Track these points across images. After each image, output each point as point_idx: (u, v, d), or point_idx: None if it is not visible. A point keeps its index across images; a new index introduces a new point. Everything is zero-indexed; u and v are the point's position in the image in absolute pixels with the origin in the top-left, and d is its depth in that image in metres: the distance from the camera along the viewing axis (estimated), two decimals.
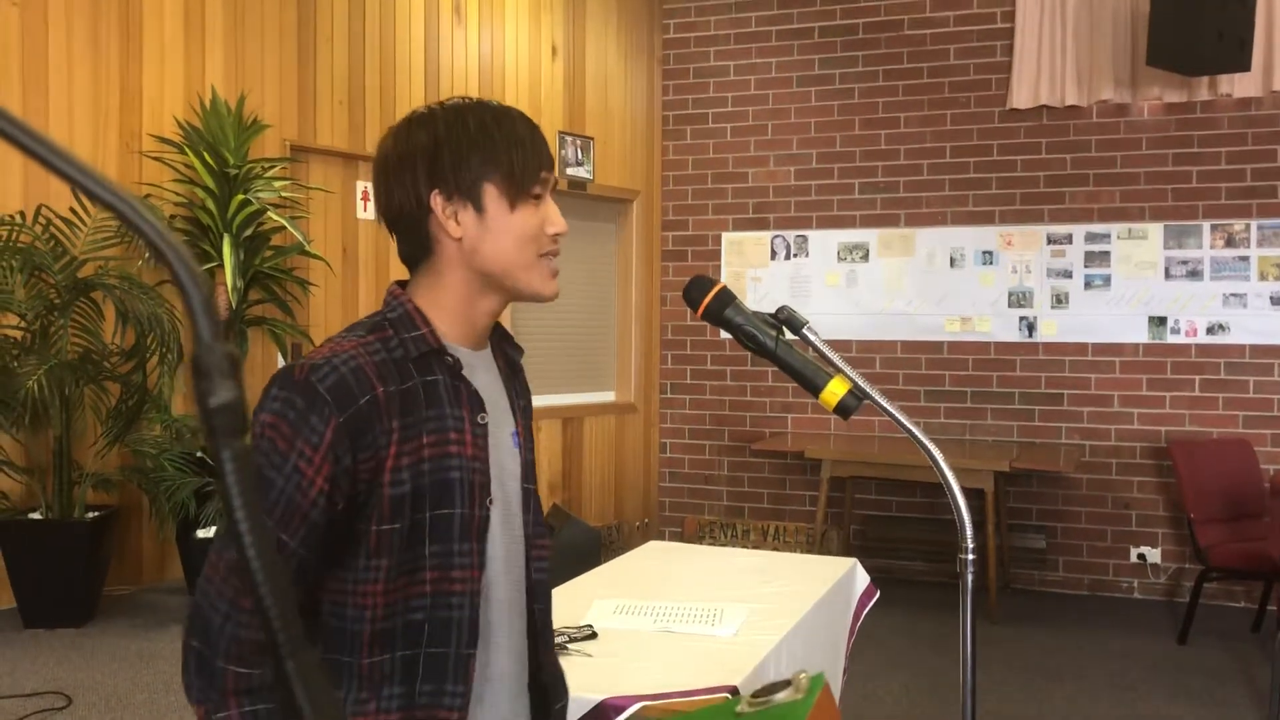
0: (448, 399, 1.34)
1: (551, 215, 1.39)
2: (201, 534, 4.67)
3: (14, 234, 4.45)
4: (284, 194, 5.08)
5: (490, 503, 1.37)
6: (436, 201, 1.34)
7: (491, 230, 1.35)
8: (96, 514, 4.61)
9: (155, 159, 4.94)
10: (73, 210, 4.62)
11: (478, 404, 1.37)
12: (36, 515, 4.54)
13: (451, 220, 1.34)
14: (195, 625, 1.23)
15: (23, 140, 0.42)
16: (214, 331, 0.40)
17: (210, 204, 4.86)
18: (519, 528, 1.45)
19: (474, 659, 1.35)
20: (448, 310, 1.38)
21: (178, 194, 4.98)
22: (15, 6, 4.57)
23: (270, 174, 5.03)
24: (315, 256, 5.22)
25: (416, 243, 1.38)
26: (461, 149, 1.34)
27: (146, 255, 4.91)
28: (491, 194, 1.35)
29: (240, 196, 4.82)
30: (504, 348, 1.50)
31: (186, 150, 4.89)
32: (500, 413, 1.43)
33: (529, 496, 1.47)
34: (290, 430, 1.23)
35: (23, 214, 4.49)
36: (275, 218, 4.92)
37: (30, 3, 4.61)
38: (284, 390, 1.25)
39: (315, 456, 1.23)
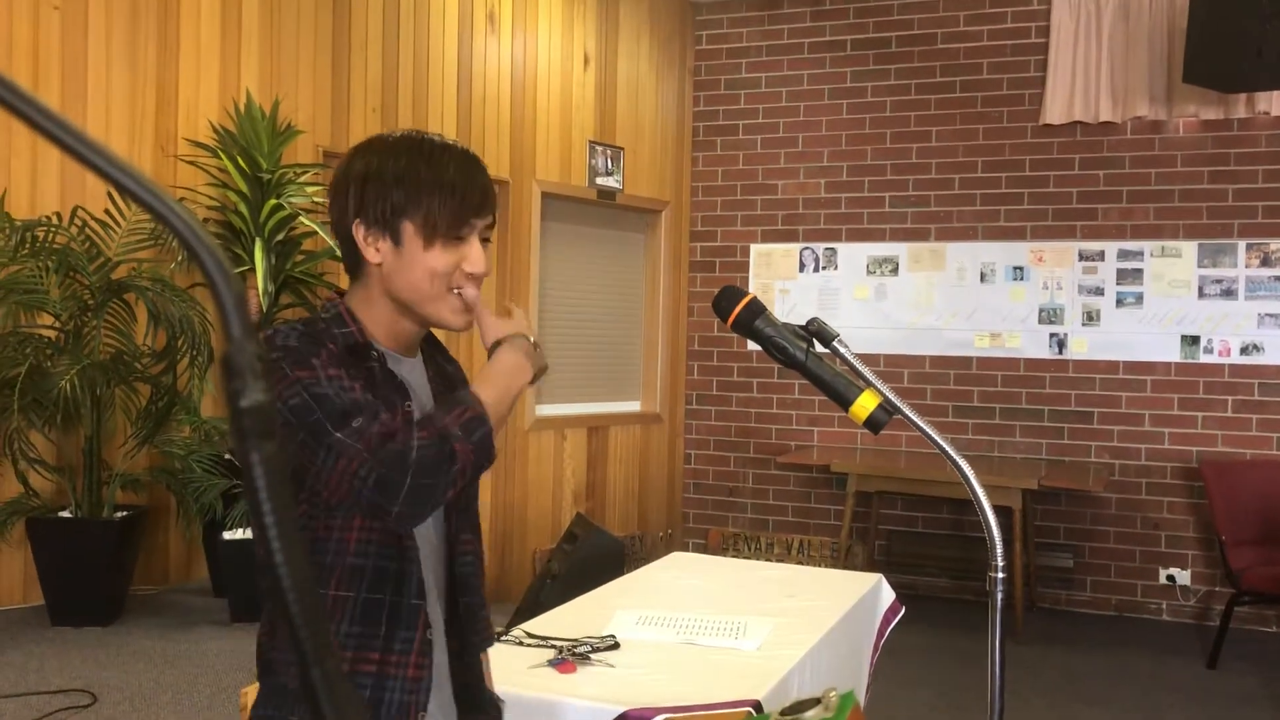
0: (381, 382, 1.44)
1: (472, 256, 1.44)
2: (228, 535, 4.69)
3: (50, 234, 4.50)
4: (316, 199, 5.12)
5: None
6: (358, 230, 1.43)
7: (405, 262, 1.42)
8: (125, 514, 4.64)
9: (189, 162, 4.98)
10: (108, 212, 4.67)
11: (403, 392, 1.46)
12: (66, 514, 4.58)
13: (371, 248, 1.43)
14: (397, 463, 1.30)
15: (58, 134, 0.42)
16: (245, 330, 0.39)
17: (243, 208, 4.89)
18: (442, 524, 1.52)
19: (422, 610, 1.43)
20: (375, 321, 1.47)
21: (211, 198, 5.02)
22: (57, 10, 4.63)
23: (303, 179, 5.06)
24: None
25: (350, 258, 1.48)
26: (385, 184, 1.41)
27: (180, 258, 4.95)
28: (409, 230, 1.42)
29: (273, 201, 4.85)
30: (436, 359, 1.59)
31: (220, 154, 4.94)
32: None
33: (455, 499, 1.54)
34: (302, 360, 1.34)
35: (59, 215, 4.54)
36: (307, 223, 4.96)
37: (70, 6, 4.67)
38: (272, 350, 1.35)
39: (333, 370, 1.35)
